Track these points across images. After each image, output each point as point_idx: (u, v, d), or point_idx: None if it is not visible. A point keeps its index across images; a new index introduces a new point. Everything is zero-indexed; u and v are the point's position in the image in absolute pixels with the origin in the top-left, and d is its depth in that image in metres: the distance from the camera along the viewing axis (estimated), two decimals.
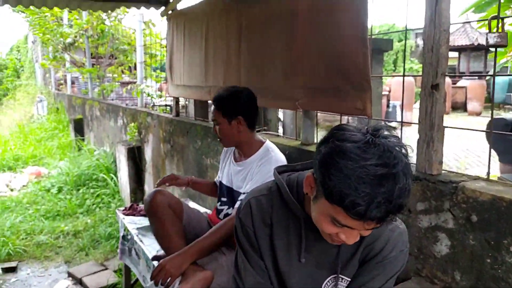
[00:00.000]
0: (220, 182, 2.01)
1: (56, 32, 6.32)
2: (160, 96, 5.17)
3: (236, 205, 1.79)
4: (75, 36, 6.34)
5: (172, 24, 3.26)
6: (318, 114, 2.10)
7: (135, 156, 4.24)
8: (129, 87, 4.79)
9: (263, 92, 2.15)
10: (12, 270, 3.23)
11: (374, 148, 0.85)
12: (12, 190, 5.28)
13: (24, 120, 10.52)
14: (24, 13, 6.38)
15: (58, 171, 5.53)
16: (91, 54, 6.66)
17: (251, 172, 1.78)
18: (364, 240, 1.05)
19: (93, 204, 4.66)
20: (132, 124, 4.35)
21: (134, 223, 2.68)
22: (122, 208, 2.94)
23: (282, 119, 4.90)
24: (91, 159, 5.57)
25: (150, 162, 4.04)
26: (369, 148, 0.85)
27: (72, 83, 9.03)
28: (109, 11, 3.78)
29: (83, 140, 6.90)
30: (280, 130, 4.48)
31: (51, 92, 11.02)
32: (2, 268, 3.19)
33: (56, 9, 6.26)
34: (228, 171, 1.96)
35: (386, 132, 0.89)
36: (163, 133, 3.65)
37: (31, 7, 3.66)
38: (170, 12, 3.34)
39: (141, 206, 2.93)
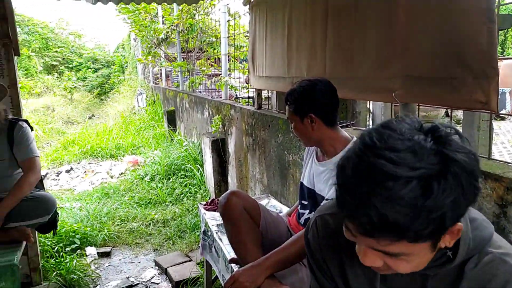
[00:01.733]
0: (301, 183, 1.82)
1: (149, 28, 6.66)
2: (246, 88, 5.12)
3: None
4: (167, 32, 6.61)
5: (254, 13, 3.12)
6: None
7: (219, 148, 4.24)
8: (213, 79, 4.81)
9: (351, 83, 1.89)
10: (107, 255, 3.44)
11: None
12: (111, 177, 5.72)
13: (126, 112, 11.47)
14: (124, 13, 6.85)
15: (152, 160, 5.86)
16: (182, 48, 6.90)
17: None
18: (463, 282, 0.76)
19: (181, 194, 4.82)
20: (217, 116, 4.36)
21: (215, 219, 2.62)
22: (204, 203, 2.92)
23: (372, 110, 4.49)
24: (181, 149, 5.79)
25: (233, 155, 4.01)
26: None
27: (167, 76, 9.55)
28: (194, 4, 3.78)
29: (174, 131, 7.24)
30: (371, 124, 4.09)
31: (149, 85, 11.84)
32: (98, 253, 3.42)
33: (150, 6, 6.61)
34: (309, 171, 1.76)
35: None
36: (245, 126, 3.56)
37: (122, 5, 3.79)
38: (252, 0, 3.20)
39: None
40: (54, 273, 2.89)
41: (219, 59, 6.32)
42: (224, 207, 1.70)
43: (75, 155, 6.90)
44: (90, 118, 12.39)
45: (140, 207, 4.51)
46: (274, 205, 2.74)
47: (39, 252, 2.80)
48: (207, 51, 6.47)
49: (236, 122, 3.82)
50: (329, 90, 1.59)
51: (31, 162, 2.32)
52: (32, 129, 2.47)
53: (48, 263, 3.00)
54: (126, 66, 17.18)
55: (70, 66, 18.00)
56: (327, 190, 1.57)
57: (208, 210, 2.79)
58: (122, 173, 5.84)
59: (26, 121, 2.46)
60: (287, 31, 2.57)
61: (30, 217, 2.19)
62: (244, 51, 4.86)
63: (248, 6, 3.30)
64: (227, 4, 4.66)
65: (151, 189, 4.95)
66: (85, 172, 6.02)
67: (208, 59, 6.69)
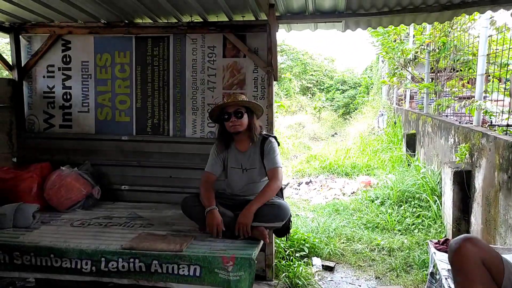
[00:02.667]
0: None
1: (397, 50, 6.55)
2: (509, 113, 4.27)
3: None
4: (416, 52, 6.33)
5: None
6: None
7: (463, 181, 3.70)
8: (463, 103, 4.25)
9: None
10: (330, 269, 3.57)
11: None
12: (343, 194, 5.92)
13: (366, 132, 11.66)
14: (374, 37, 7.02)
15: (384, 183, 5.71)
16: (431, 68, 6.46)
17: None
18: None
19: (412, 224, 4.48)
20: (463, 144, 3.83)
21: (446, 263, 2.30)
22: (435, 241, 2.62)
23: None
24: (417, 176, 5.40)
25: (479, 191, 3.41)
26: None
27: (411, 98, 9.14)
28: (448, 21, 3.46)
29: (413, 155, 6.83)
30: None
31: (391, 107, 11.65)
32: (322, 265, 3.59)
33: (400, 28, 6.50)
34: None
35: None
36: (499, 159, 2.97)
37: (371, 29, 3.88)
38: None
39: None
40: (284, 274, 3.22)
41: (473, 79, 5.56)
42: (454, 253, 1.47)
43: (315, 169, 7.52)
44: (332, 136, 13.25)
45: (366, 230, 4.46)
46: None
47: (273, 252, 3.20)
48: (461, 70, 5.79)
49: (488, 154, 3.24)
50: None
51: (275, 172, 2.69)
52: (278, 144, 2.86)
53: (280, 263, 3.37)
54: (371, 87, 17.50)
55: (322, 87, 19.86)
56: None
57: (439, 250, 2.48)
58: (353, 192, 5.95)
59: (275, 137, 2.87)
60: None
61: (267, 220, 2.54)
62: (509, 69, 4.10)
63: None
64: (491, 17, 4.05)
65: (380, 213, 4.83)
66: (321, 186, 6.47)
67: (461, 79, 5.98)
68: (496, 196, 3.01)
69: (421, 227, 4.40)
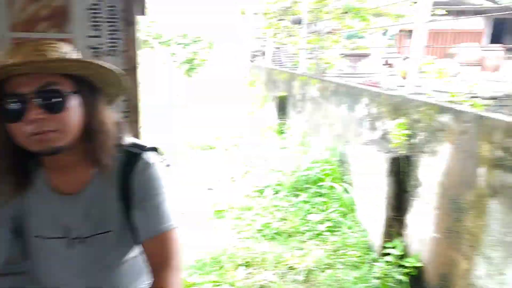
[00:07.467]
0: None
1: None
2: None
3: None
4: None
5: None
6: None
7: (399, 170, 2.79)
8: (403, 58, 3.32)
9: None
10: None
11: None
12: (219, 180, 4.51)
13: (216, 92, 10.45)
14: None
15: (267, 162, 4.59)
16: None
17: None
18: None
19: (320, 223, 3.45)
20: (397, 121, 2.87)
21: None
22: None
23: None
24: (304, 153, 4.46)
25: (433, 188, 2.52)
26: None
27: (273, 54, 8.20)
28: None
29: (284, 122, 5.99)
30: None
31: (241, 63, 10.67)
32: None
33: None
34: None
35: None
36: (491, 151, 2.04)
37: None
38: None
39: None
40: None
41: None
42: None
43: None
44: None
45: (266, 240, 3.24)
46: None
47: None
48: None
49: (457, 139, 2.31)
50: None
51: (166, 242, 1.04)
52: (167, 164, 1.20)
53: None
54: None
55: (161, 41, 17.57)
56: None
57: None
58: (233, 178, 4.64)
59: (155, 149, 1.16)
60: None
61: None
62: None
63: None
64: None
65: (276, 211, 3.67)
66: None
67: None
68: (482, 203, 2.10)
69: (331, 226, 3.41)
